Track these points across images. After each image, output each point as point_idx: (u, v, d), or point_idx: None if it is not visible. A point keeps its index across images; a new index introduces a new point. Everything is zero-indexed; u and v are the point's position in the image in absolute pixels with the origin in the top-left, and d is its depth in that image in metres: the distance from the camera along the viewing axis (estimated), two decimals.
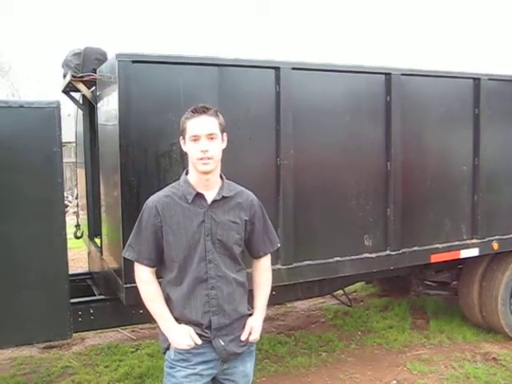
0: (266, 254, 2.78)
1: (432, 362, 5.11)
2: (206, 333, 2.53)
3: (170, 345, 2.56)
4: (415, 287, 5.93)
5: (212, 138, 2.47)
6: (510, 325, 5.56)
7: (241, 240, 2.63)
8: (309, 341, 5.61)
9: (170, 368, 2.57)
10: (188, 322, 2.53)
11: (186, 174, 2.62)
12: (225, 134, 2.58)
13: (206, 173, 2.50)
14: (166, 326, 2.57)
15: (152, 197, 2.61)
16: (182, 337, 2.51)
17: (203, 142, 2.45)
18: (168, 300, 2.58)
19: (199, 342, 2.51)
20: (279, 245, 2.88)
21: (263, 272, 2.79)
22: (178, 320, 2.55)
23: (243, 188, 2.70)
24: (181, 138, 2.57)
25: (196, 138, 2.46)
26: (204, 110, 2.48)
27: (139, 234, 2.59)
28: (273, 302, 5.38)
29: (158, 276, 2.64)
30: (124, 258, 3.44)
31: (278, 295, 4.64)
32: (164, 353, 2.65)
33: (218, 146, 2.51)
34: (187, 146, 2.52)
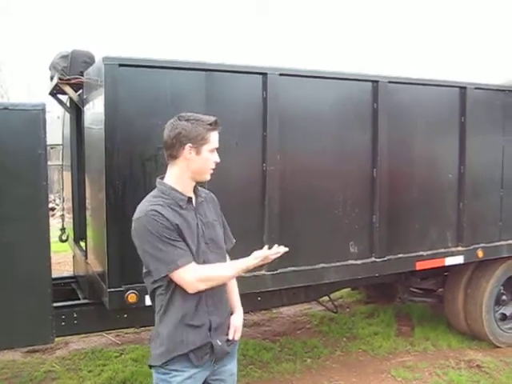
0: (226, 251, 2.80)
1: (416, 368, 5.11)
2: (207, 334, 2.51)
3: (171, 359, 2.47)
4: (401, 294, 5.96)
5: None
6: (494, 332, 5.59)
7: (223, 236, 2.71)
8: (294, 347, 5.60)
9: (164, 374, 2.52)
10: (195, 327, 2.48)
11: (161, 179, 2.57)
12: None
13: (206, 181, 2.60)
14: (245, 264, 2.48)
15: (145, 208, 2.44)
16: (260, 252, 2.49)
17: (216, 154, 2.55)
18: (172, 305, 2.48)
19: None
20: (234, 241, 2.83)
21: None
22: (185, 325, 2.47)
23: (204, 188, 2.76)
24: (189, 145, 2.45)
25: (213, 150, 2.53)
26: (219, 123, 2.55)
27: (164, 241, 2.38)
28: (258, 307, 5.40)
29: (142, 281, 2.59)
30: (109, 261, 3.47)
31: (264, 301, 4.64)
32: (151, 364, 2.55)
33: None
34: (202, 155, 2.47)
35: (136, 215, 2.45)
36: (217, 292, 2.57)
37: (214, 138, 2.51)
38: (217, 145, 2.53)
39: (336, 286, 5.01)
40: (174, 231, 2.40)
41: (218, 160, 2.55)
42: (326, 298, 5.71)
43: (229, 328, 2.66)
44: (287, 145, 4.03)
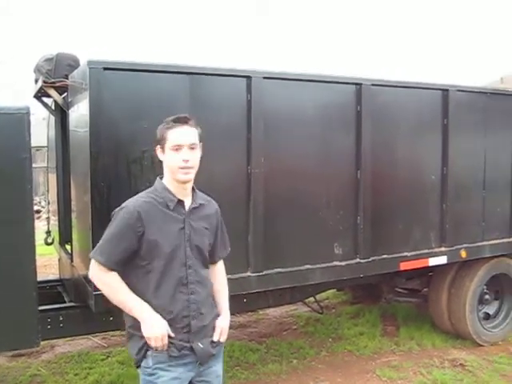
0: (220, 259, 2.88)
1: (401, 368, 5.16)
2: (186, 337, 2.55)
3: (146, 353, 2.53)
4: (386, 294, 6.01)
5: (193, 148, 2.54)
6: (477, 331, 5.66)
7: (210, 246, 2.72)
8: (280, 348, 5.63)
9: (150, 375, 2.55)
10: (169, 327, 2.52)
11: (161, 179, 2.65)
12: (201, 143, 2.63)
13: (185, 182, 2.56)
14: (144, 314, 2.49)
15: (131, 201, 2.58)
16: (158, 320, 2.48)
17: (185, 151, 2.51)
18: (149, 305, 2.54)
19: (172, 334, 2.51)
20: (229, 249, 2.92)
21: (222, 275, 2.90)
22: None
23: (208, 196, 2.78)
24: (158, 146, 2.58)
25: (178, 148, 2.50)
26: (186, 121, 2.54)
27: (114, 238, 2.54)
28: (244, 309, 5.42)
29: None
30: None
31: (250, 302, 4.66)
32: (138, 364, 2.60)
33: (198, 155, 2.59)
34: (167, 155, 2.54)
35: (122, 205, 2.58)
36: (202, 297, 2.61)
37: (173, 135, 2.50)
38: (179, 142, 2.49)
39: (321, 287, 5.04)
40: (134, 234, 2.50)
41: (184, 157, 2.49)
42: (311, 299, 5.76)
43: (214, 330, 2.69)
44: (272, 147, 4.06)
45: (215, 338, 2.67)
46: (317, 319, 6.48)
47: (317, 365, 5.29)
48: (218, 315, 2.74)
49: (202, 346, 2.58)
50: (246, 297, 4.47)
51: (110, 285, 2.54)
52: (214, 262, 2.84)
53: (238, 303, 4.46)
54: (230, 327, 6.06)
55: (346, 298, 7.40)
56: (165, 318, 2.51)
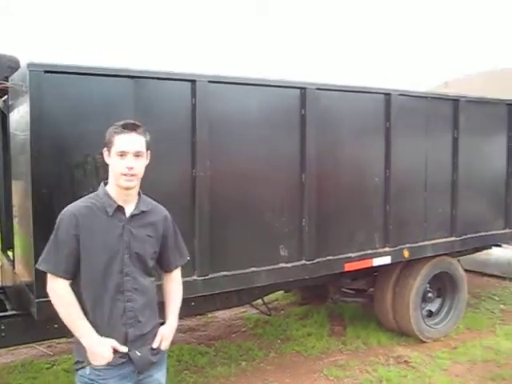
0: (176, 268, 2.86)
1: (348, 367, 5.26)
2: (123, 346, 2.54)
3: (87, 361, 2.52)
4: (332, 295, 6.10)
5: (138, 156, 2.53)
6: (420, 328, 5.82)
7: (155, 254, 2.69)
8: (229, 350, 5.64)
9: None
10: (107, 336, 2.52)
11: (105, 185, 2.63)
12: (149, 151, 2.63)
13: (127, 188, 2.54)
14: (89, 339, 2.49)
15: (69, 207, 2.57)
16: (105, 351, 2.48)
17: (130, 159, 2.49)
18: (86, 314, 2.53)
19: (122, 352, 2.51)
20: (189, 258, 2.93)
21: (175, 284, 2.87)
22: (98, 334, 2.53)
23: (157, 203, 2.76)
24: (105, 149, 2.58)
25: (123, 154, 2.49)
26: (134, 128, 2.53)
27: (56, 245, 2.52)
28: (192, 312, 5.40)
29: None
30: (36, 270, 3.40)
31: (197, 306, 4.64)
32: (78, 369, 2.60)
33: (143, 163, 2.58)
34: (112, 159, 2.53)
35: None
36: (140, 305, 2.59)
37: (119, 141, 2.49)
38: (124, 149, 2.49)
39: (268, 289, 5.08)
40: (74, 240, 2.49)
41: (128, 165, 2.49)
42: (260, 301, 5.80)
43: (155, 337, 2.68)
44: (217, 151, 4.07)
45: (154, 345, 2.66)
46: (266, 321, 6.52)
47: (265, 366, 5.33)
48: (162, 323, 2.74)
49: (139, 354, 2.57)
50: (194, 300, 4.46)
51: (62, 299, 2.51)
52: (169, 271, 2.83)
53: (185, 307, 4.39)
54: (179, 331, 6.05)
55: (294, 299, 7.48)
56: (103, 328, 2.50)
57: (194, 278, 4.01)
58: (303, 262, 4.59)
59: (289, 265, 4.51)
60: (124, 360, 2.54)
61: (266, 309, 5.86)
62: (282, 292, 7.09)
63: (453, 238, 5.86)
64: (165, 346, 2.72)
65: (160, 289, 2.87)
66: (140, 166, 2.55)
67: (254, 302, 5.70)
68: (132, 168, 2.49)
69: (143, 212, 2.63)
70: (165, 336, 2.71)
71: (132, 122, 2.56)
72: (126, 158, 2.49)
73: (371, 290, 6.21)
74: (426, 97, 5.60)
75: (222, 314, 6.79)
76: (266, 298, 5.81)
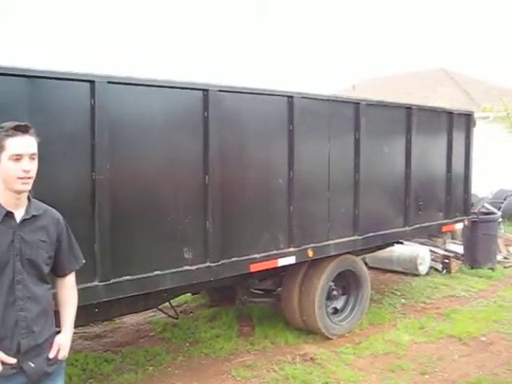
0: (71, 272, 2.78)
1: (255, 367, 5.32)
2: (15, 357, 2.43)
3: None
4: (240, 296, 6.14)
5: (33, 159, 2.47)
6: (326, 325, 5.98)
7: (49, 259, 2.61)
8: (136, 356, 5.55)
9: None
10: None
11: None
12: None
13: (22, 192, 2.45)
14: None
15: None
16: None
17: (26, 162, 2.42)
18: None
19: (10, 364, 2.41)
20: (84, 261, 2.85)
21: (69, 289, 2.78)
22: None
23: (48, 206, 2.67)
24: None
25: (19, 158, 2.40)
26: (27, 130, 2.44)
27: None
28: (97, 318, 5.26)
29: None
30: None
31: (102, 312, 4.52)
32: None
33: (36, 165, 2.50)
34: (3, 163, 2.41)
35: None
36: (33, 315, 2.50)
37: (11, 144, 2.40)
38: (20, 152, 2.40)
39: (175, 292, 5.04)
40: None
41: (25, 168, 2.41)
42: (168, 305, 5.74)
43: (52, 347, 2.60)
44: (118, 153, 3.99)
45: (51, 355, 2.58)
46: (174, 324, 6.47)
47: (173, 370, 5.28)
48: (58, 332, 2.66)
49: (33, 365, 2.48)
50: (98, 306, 4.34)
51: None
52: (63, 275, 2.74)
53: (89, 313, 4.33)
54: (85, 338, 5.87)
55: (203, 301, 7.46)
56: None
57: (96, 283, 3.90)
58: (208, 263, 4.58)
59: (193, 267, 4.49)
60: (15, 371, 2.44)
61: (173, 312, 5.80)
62: (190, 294, 7.06)
63: (355, 237, 6.06)
64: (62, 355, 2.64)
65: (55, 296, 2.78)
66: (35, 168, 2.49)
67: (162, 306, 5.63)
68: (29, 171, 2.43)
69: (34, 216, 2.54)
70: (62, 345, 2.63)
71: (23, 123, 2.46)
72: (22, 162, 2.41)
73: (279, 289, 6.31)
74: (328, 100, 5.75)
75: (130, 319, 6.66)
76: (175, 301, 5.76)
